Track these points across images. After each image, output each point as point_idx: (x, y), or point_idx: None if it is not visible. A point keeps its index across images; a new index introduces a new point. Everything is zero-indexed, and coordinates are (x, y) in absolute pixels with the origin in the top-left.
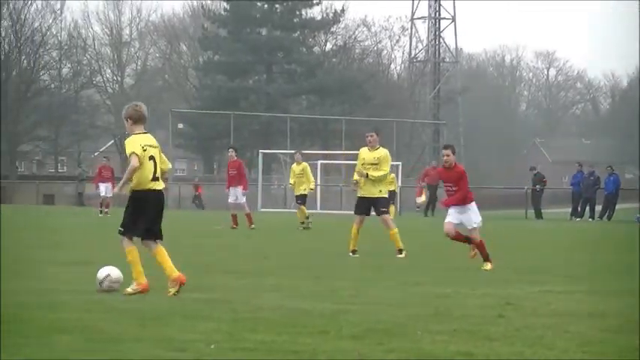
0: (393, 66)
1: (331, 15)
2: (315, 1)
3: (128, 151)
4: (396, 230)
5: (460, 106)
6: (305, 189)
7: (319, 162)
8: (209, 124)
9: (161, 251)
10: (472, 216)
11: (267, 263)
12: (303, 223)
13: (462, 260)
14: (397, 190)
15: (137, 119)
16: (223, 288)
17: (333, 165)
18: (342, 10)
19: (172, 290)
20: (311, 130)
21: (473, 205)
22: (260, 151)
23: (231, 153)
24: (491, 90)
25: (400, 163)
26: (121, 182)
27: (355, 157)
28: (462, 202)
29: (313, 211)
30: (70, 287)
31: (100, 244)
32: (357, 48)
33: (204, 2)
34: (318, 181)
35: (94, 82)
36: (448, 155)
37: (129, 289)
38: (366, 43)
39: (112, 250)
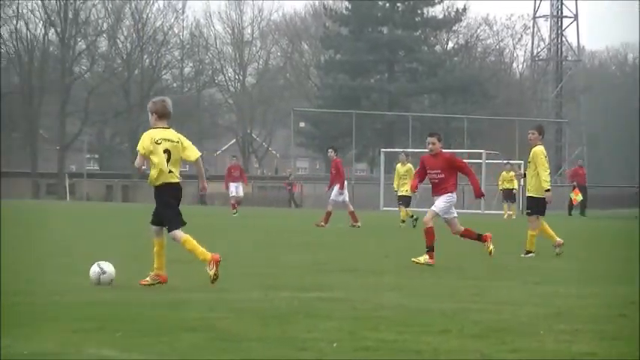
0: (515, 64)
1: (453, 13)
2: (436, 0)
3: (138, 147)
4: (535, 233)
5: (582, 105)
6: (407, 190)
7: None
8: (331, 123)
9: (187, 239)
10: (439, 201)
11: (388, 262)
12: (404, 221)
13: (585, 261)
14: (516, 189)
15: (162, 114)
16: (344, 287)
17: None
18: (464, 9)
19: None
20: (433, 129)
21: (448, 194)
22: (382, 149)
23: (331, 153)
24: (613, 88)
25: (522, 162)
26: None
27: (477, 155)
28: (440, 190)
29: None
30: (193, 286)
31: (226, 244)
32: (479, 46)
33: (325, 1)
34: None
35: (216, 81)
36: (434, 143)
37: (148, 279)
38: (488, 42)
39: (238, 247)
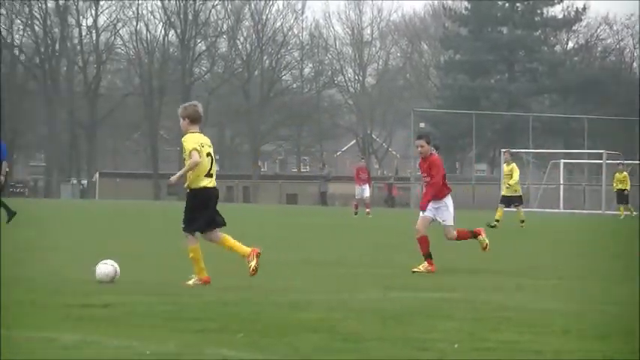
0: (635, 64)
1: (572, 13)
2: (556, 0)
3: (188, 147)
4: None
5: None
6: (509, 189)
7: (561, 161)
8: (450, 123)
9: (225, 238)
10: (444, 212)
11: (508, 262)
12: (498, 221)
13: None
14: (628, 189)
15: (194, 119)
16: (465, 287)
17: (576, 164)
18: (584, 9)
19: (252, 264)
20: (553, 129)
21: (448, 200)
22: (502, 150)
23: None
24: None
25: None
26: (180, 172)
27: (597, 156)
28: (437, 194)
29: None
30: (313, 287)
31: (348, 245)
32: (599, 46)
33: (445, 2)
34: (561, 180)
35: (336, 81)
36: (422, 146)
37: (190, 282)
38: (608, 42)
39: (357, 249)
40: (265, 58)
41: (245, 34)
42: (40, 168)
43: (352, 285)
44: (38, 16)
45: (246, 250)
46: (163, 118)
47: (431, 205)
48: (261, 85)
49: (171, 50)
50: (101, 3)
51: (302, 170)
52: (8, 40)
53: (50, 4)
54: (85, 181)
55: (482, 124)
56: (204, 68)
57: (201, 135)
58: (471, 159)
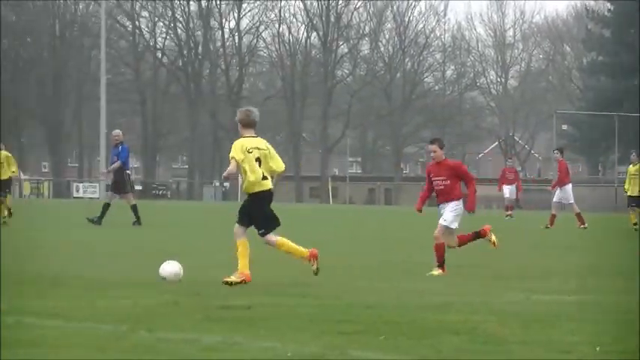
0: None
1: None
2: None
3: (231, 154)
4: None
5: None
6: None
7: None
8: (593, 126)
9: (282, 242)
10: (447, 212)
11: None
12: (636, 224)
13: None
14: None
15: (247, 124)
16: (608, 290)
17: None
18: None
19: (314, 266)
20: None
21: (454, 203)
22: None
23: (557, 154)
24: None
25: None
26: (224, 174)
27: None
28: (448, 197)
29: None
30: (455, 289)
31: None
32: None
33: (587, 3)
34: None
35: (478, 83)
36: (435, 151)
37: (232, 277)
38: None
39: (502, 250)
40: (407, 60)
41: (387, 36)
42: (183, 170)
43: (494, 288)
44: (181, 19)
45: (306, 253)
46: (305, 121)
47: (441, 207)
48: (403, 87)
49: (313, 53)
50: (244, 6)
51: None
52: (151, 43)
53: (193, 7)
54: (227, 184)
55: (625, 126)
56: (346, 70)
57: (254, 139)
58: (613, 161)
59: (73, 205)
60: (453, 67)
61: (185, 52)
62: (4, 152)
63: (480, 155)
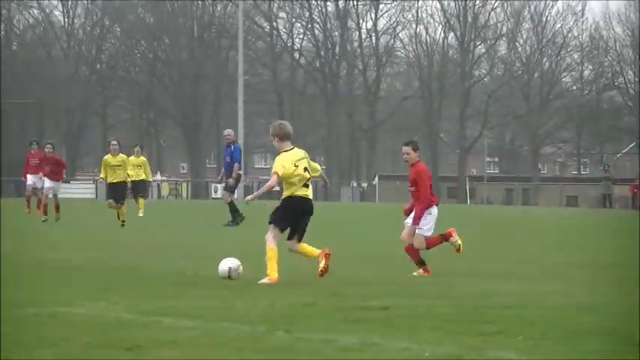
0: None
1: None
2: None
3: (273, 168)
4: None
5: None
6: None
7: None
8: None
9: (301, 246)
10: (422, 219)
11: None
12: None
13: None
14: None
15: (282, 137)
16: None
17: None
18: None
19: (322, 265)
20: None
21: (433, 209)
22: None
23: None
24: None
25: None
26: (257, 193)
27: None
28: (426, 207)
29: None
30: (591, 290)
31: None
32: None
33: None
34: None
35: (616, 83)
36: (408, 153)
37: (264, 280)
38: None
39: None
40: (545, 60)
41: (525, 36)
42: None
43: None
44: (318, 20)
45: (317, 252)
46: (443, 121)
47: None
48: (540, 87)
49: (450, 53)
50: (381, 6)
51: (582, 172)
52: (288, 44)
53: (330, 8)
54: (364, 184)
55: None
56: (483, 70)
57: (295, 151)
58: None
59: (209, 207)
60: (590, 67)
61: (322, 52)
62: (142, 157)
63: (619, 155)
